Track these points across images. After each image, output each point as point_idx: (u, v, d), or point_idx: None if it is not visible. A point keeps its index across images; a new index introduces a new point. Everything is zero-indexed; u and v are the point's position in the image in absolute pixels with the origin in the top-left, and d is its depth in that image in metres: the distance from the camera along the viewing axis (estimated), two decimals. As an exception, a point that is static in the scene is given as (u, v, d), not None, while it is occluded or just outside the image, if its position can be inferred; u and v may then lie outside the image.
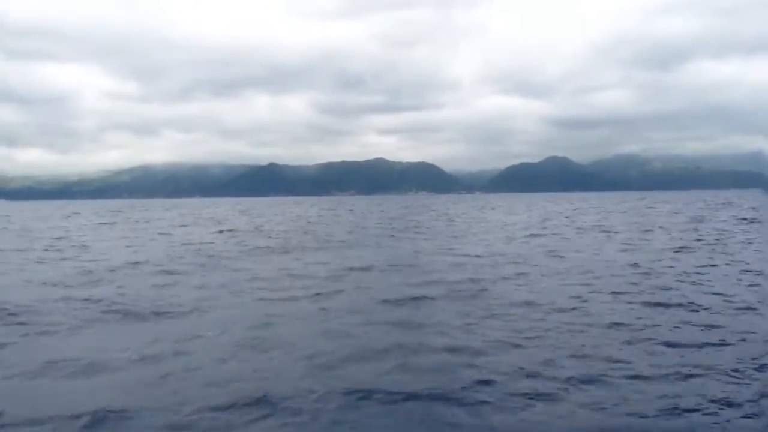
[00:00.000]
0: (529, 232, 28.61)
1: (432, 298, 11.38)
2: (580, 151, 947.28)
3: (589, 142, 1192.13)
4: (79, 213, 72.55)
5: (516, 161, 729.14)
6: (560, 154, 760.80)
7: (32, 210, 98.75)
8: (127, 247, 23.36)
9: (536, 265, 15.99)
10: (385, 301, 11.26)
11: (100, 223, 43.91)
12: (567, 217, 42.72)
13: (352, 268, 16.04)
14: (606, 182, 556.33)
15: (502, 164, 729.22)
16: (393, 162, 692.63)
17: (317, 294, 12.01)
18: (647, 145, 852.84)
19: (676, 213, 46.82)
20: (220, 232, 32.21)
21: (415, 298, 11.36)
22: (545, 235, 27.17)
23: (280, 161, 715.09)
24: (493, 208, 68.88)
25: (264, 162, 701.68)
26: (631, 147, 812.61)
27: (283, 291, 12.60)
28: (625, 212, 49.56)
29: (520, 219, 42.73)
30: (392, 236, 27.93)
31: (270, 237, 28.61)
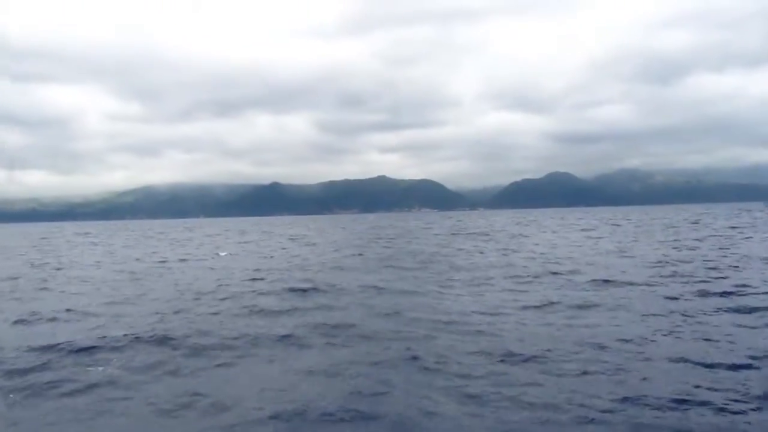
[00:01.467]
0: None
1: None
2: (582, 166, 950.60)
3: (591, 157, 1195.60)
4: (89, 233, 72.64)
5: (518, 177, 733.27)
6: (562, 169, 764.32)
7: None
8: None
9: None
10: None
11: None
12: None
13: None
14: (608, 197, 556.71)
15: (505, 180, 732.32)
16: (395, 180, 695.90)
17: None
18: (649, 159, 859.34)
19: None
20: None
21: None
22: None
23: (282, 180, 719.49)
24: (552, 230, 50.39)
25: (267, 181, 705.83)
26: (632, 161, 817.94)
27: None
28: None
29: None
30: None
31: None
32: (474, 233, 47.10)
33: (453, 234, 47.26)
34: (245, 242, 43.97)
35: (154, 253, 33.67)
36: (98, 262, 28.07)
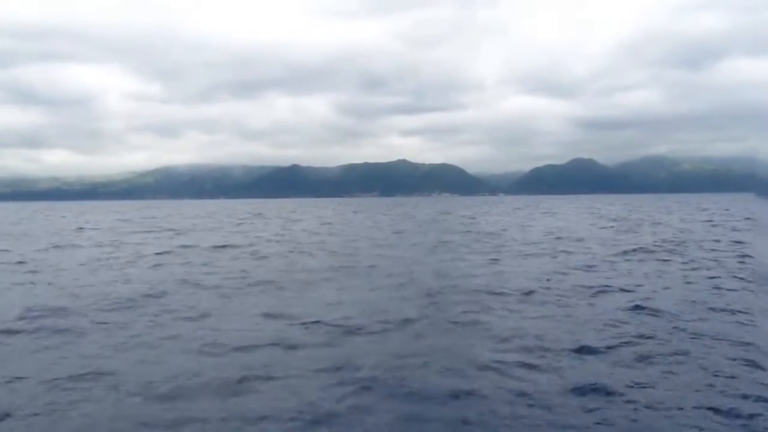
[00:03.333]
0: None
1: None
2: (607, 152, 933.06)
3: (616, 144, 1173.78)
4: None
5: (540, 163, 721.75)
6: (586, 155, 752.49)
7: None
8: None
9: None
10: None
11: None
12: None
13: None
14: (633, 184, 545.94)
15: (527, 166, 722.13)
16: (416, 163, 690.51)
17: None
18: (676, 147, 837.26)
19: None
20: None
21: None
22: None
23: (302, 162, 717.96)
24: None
25: (286, 163, 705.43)
26: (659, 148, 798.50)
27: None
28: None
29: None
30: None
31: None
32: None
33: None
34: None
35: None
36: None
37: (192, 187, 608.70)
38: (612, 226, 35.99)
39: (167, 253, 21.68)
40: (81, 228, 39.81)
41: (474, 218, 50.25)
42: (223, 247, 23.66)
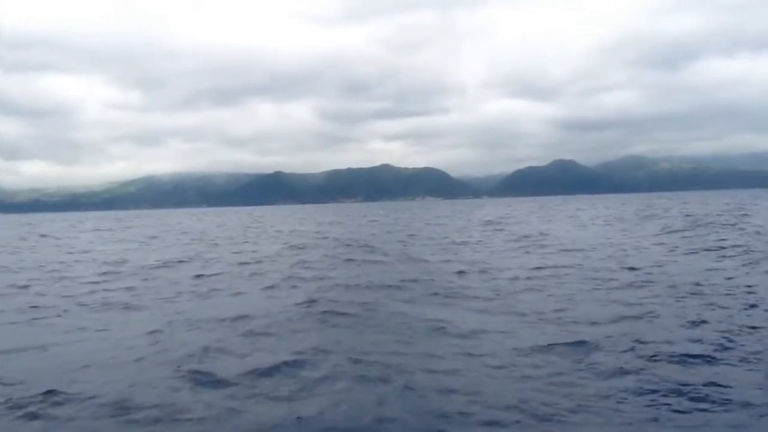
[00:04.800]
0: None
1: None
2: (587, 153, 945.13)
3: (596, 144, 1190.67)
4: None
5: (522, 165, 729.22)
6: (567, 156, 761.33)
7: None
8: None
9: None
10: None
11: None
12: None
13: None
14: (613, 184, 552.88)
15: (509, 168, 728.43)
16: (399, 168, 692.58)
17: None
18: (655, 146, 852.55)
19: None
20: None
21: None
22: None
23: (286, 169, 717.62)
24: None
25: (270, 170, 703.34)
26: (638, 148, 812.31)
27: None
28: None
29: None
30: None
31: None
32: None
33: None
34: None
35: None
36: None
37: (174, 196, 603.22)
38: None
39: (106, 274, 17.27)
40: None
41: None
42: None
